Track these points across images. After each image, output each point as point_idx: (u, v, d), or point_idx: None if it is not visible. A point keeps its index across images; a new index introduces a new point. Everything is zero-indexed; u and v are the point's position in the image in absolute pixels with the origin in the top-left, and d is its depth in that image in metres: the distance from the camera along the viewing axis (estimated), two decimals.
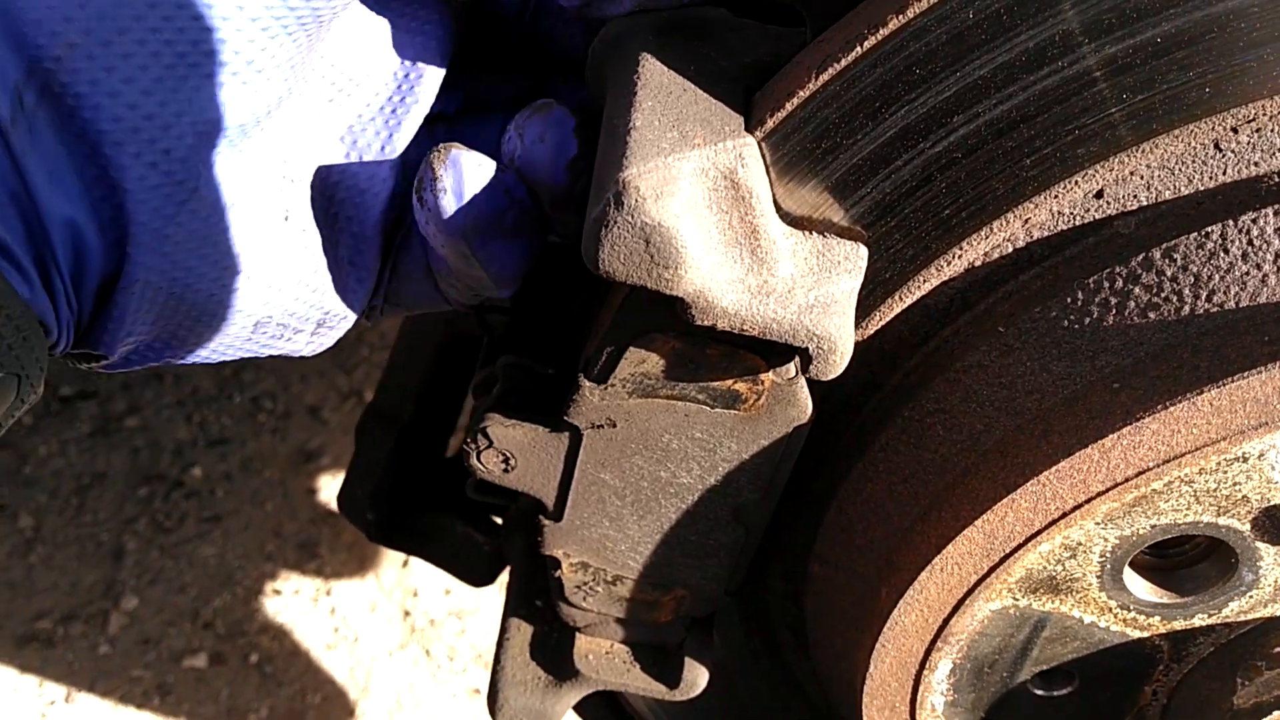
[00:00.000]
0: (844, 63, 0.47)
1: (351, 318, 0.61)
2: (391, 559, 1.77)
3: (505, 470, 0.62)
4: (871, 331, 0.55)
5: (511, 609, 0.74)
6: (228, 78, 0.47)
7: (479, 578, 0.86)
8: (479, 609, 1.73)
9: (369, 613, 1.72)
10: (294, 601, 1.71)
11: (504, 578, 0.91)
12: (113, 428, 1.89)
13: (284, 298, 0.56)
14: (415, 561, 1.77)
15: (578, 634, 0.71)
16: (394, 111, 0.57)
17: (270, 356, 0.60)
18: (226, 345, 0.57)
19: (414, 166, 0.58)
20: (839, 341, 0.50)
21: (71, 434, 1.87)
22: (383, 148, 0.57)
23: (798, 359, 0.53)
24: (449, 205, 0.53)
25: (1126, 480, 0.50)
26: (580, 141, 0.55)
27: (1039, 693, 0.62)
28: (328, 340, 0.62)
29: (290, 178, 0.53)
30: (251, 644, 1.68)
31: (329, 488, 1.87)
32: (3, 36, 0.43)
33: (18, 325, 0.45)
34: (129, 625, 1.68)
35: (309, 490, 1.86)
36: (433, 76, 0.57)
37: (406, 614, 1.72)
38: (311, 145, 0.54)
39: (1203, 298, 0.50)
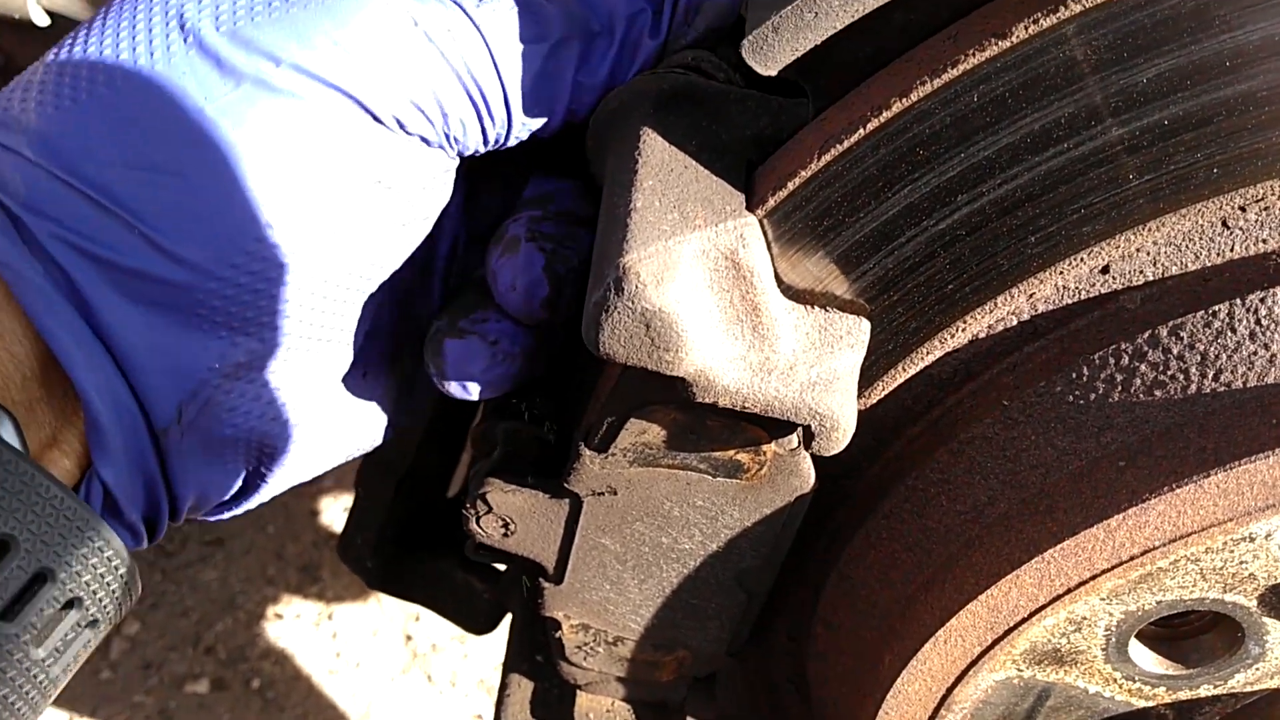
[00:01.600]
0: (847, 144, 0.46)
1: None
2: None
3: (505, 535, 0.62)
4: (874, 400, 0.55)
5: (512, 664, 0.74)
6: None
7: (480, 626, 0.86)
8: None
9: (371, 637, 1.71)
10: (296, 626, 1.71)
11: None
12: None
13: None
14: None
15: (579, 691, 0.71)
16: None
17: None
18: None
19: None
20: (841, 419, 0.50)
21: None
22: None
23: (800, 431, 0.53)
24: (456, 390, 0.59)
25: (1132, 559, 0.49)
26: (550, 280, 0.55)
27: None
28: None
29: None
30: (253, 669, 1.68)
31: (331, 510, 1.86)
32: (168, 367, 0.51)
33: (122, 577, 0.49)
34: (130, 650, 1.68)
35: (311, 513, 1.85)
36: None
37: (409, 638, 1.71)
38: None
39: (1209, 377, 0.49)
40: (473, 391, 0.59)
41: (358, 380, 0.58)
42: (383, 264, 0.55)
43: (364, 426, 0.60)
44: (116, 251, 0.48)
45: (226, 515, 0.60)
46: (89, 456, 0.51)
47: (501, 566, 0.86)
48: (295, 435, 0.56)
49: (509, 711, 0.71)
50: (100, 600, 0.48)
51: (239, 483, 0.57)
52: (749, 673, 0.75)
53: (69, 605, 0.46)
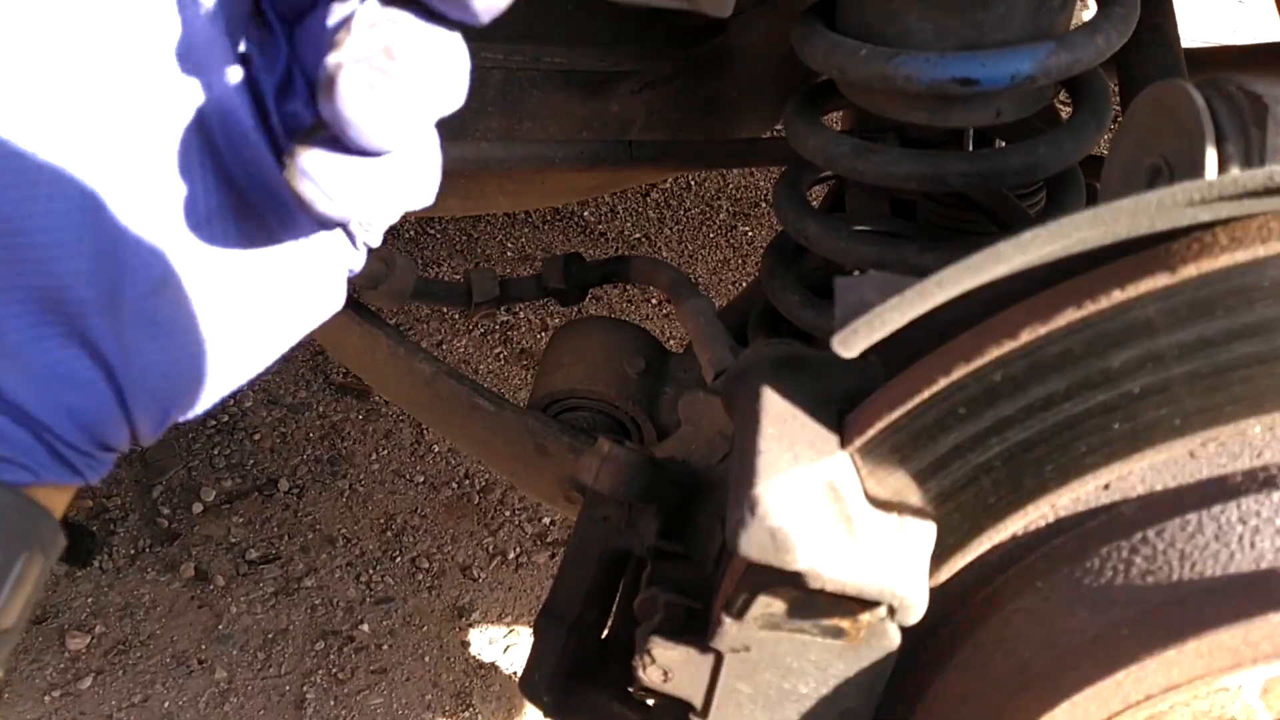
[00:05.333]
0: (909, 406, 0.67)
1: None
2: (536, 711, 1.95)
3: (664, 680, 0.81)
4: (943, 579, 0.73)
5: None
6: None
7: None
8: None
9: None
10: None
11: None
12: (293, 588, 2.14)
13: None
14: None
15: None
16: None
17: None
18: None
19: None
20: (915, 598, 0.69)
21: (258, 594, 2.13)
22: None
23: (885, 606, 0.72)
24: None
25: (1136, 703, 0.67)
26: None
27: None
28: None
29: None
30: None
31: (479, 641, 2.08)
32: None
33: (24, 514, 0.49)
34: None
35: (462, 643, 2.07)
36: None
37: None
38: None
39: (1187, 568, 0.67)
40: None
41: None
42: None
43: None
44: None
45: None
46: None
47: (651, 702, 1.05)
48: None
49: None
50: None
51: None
52: None
53: None
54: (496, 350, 2.58)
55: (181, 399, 0.54)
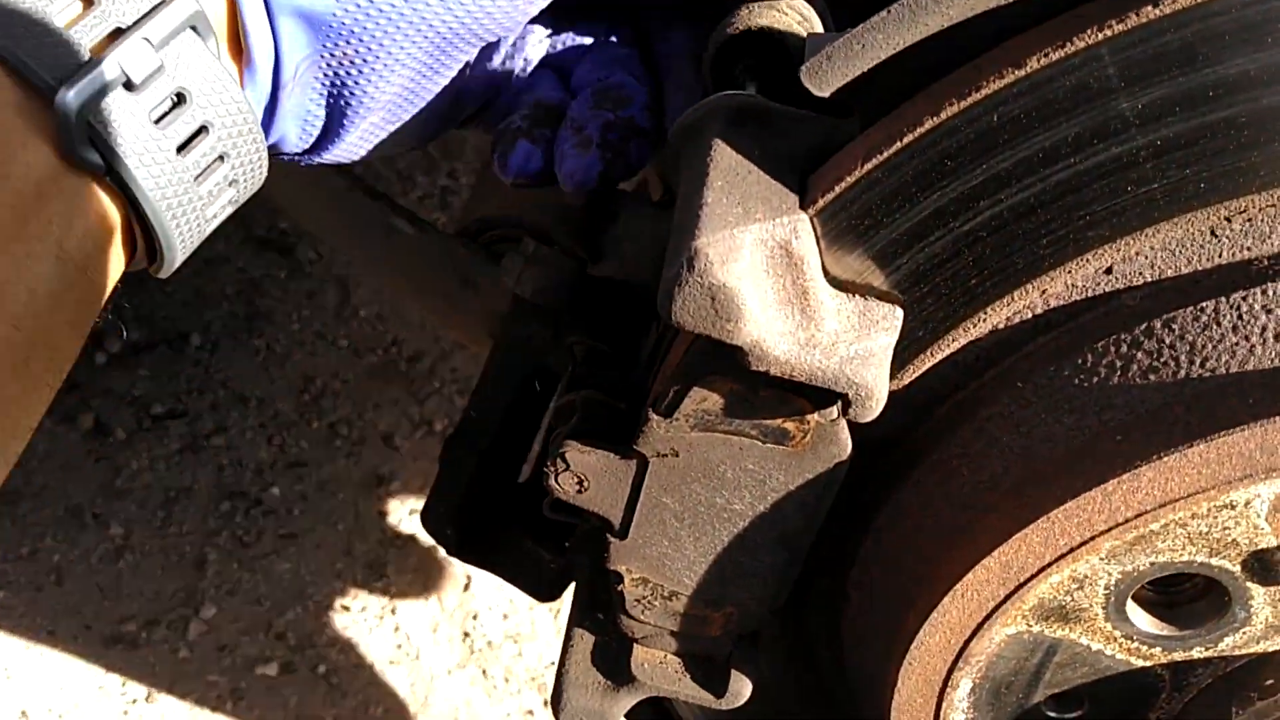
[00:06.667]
0: (886, 154, 0.55)
1: None
2: (454, 583, 1.86)
3: (579, 491, 0.70)
4: (906, 382, 0.63)
5: (576, 620, 0.82)
6: None
7: (545, 593, 0.94)
8: (535, 635, 1.81)
9: (430, 632, 1.81)
10: (361, 618, 1.81)
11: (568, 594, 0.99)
12: (200, 445, 2.01)
13: None
14: (476, 586, 1.86)
15: (635, 644, 0.79)
16: None
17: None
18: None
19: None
20: (875, 389, 0.58)
21: (161, 450, 2.00)
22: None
23: (839, 403, 0.61)
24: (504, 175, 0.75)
25: (1126, 521, 0.57)
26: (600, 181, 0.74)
27: (1051, 715, 0.68)
28: None
29: None
30: (320, 656, 1.78)
31: (398, 511, 1.97)
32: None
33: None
34: (207, 632, 1.78)
35: (380, 513, 1.96)
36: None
37: (466, 635, 1.80)
38: None
39: (1197, 364, 0.57)
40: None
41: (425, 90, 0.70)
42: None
43: (425, 121, 0.73)
44: None
45: (305, 161, 0.72)
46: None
47: (566, 545, 0.94)
48: (362, 110, 0.68)
49: (573, 659, 0.80)
50: (239, 165, 0.61)
51: (317, 131, 0.69)
52: (787, 637, 0.83)
53: (220, 159, 0.60)
54: (435, 216, 2.43)
55: None
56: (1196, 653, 0.64)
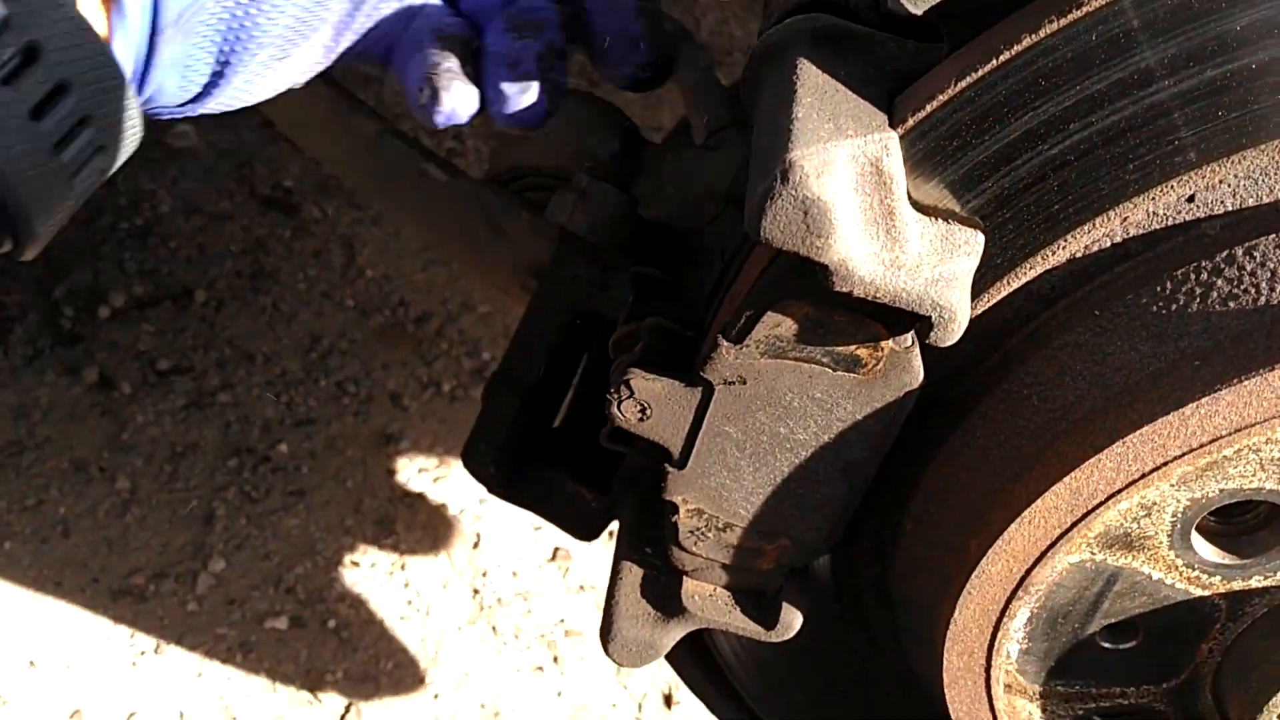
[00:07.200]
0: (981, 72, 0.55)
1: None
2: (463, 540, 1.86)
3: (640, 419, 0.70)
4: (982, 310, 0.63)
5: (623, 554, 0.83)
6: None
7: (586, 533, 0.95)
8: (544, 592, 1.81)
9: (440, 589, 1.80)
10: (370, 574, 1.81)
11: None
12: (206, 402, 1.99)
13: None
14: (485, 543, 1.86)
15: (685, 577, 0.79)
16: None
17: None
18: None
19: None
20: (957, 312, 0.58)
21: (167, 405, 1.98)
22: None
23: (915, 330, 0.61)
24: (440, 120, 0.70)
25: (1201, 446, 0.58)
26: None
27: (1106, 645, 0.69)
28: None
29: None
30: (329, 610, 1.78)
31: (407, 470, 1.96)
32: None
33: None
34: (216, 586, 1.78)
35: (388, 471, 1.95)
36: None
37: (475, 592, 1.80)
38: None
39: (1278, 290, 0.57)
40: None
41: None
42: None
43: (308, 58, 0.68)
44: None
45: (180, 115, 0.66)
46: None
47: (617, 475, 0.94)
48: (253, 46, 0.62)
49: (622, 591, 0.80)
50: (107, 128, 0.55)
51: (203, 79, 0.63)
52: (835, 577, 0.83)
53: (83, 122, 0.54)
54: None
55: None
56: (1255, 581, 0.64)
